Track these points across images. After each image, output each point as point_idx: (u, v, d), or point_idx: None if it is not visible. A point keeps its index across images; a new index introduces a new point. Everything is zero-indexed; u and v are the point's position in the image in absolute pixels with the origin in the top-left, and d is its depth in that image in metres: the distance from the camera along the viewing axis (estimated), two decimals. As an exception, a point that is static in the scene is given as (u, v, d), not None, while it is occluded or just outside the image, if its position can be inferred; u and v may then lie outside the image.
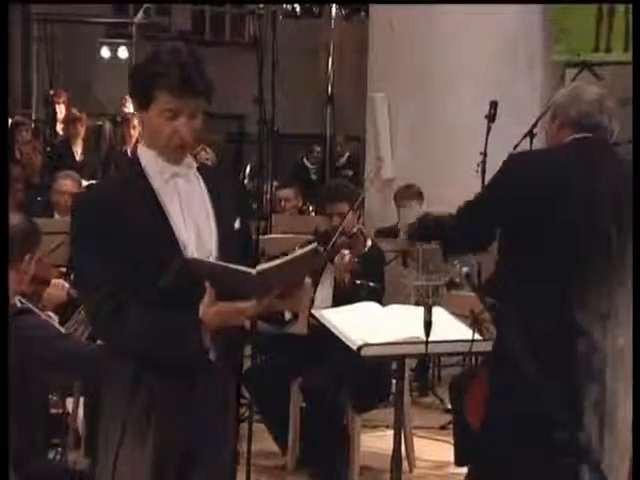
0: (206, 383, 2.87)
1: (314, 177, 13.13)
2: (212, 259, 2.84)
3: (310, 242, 5.93)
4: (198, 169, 2.97)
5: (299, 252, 2.83)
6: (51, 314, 4.61)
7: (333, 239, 5.67)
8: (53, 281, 4.91)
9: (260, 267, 2.67)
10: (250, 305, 2.72)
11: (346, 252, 5.62)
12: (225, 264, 2.75)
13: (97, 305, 2.82)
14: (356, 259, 5.62)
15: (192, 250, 2.83)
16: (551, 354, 3.48)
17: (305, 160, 13.50)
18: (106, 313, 2.79)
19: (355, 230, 5.78)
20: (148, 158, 2.90)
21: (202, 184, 2.95)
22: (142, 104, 2.85)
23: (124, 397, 2.84)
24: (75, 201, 3.00)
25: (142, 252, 2.76)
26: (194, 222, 2.87)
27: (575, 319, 3.51)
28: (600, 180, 3.57)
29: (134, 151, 3.00)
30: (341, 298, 5.50)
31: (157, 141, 2.87)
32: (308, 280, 2.88)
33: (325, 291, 5.73)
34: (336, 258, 5.62)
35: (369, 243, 5.87)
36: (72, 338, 3.96)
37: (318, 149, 13.52)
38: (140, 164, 2.90)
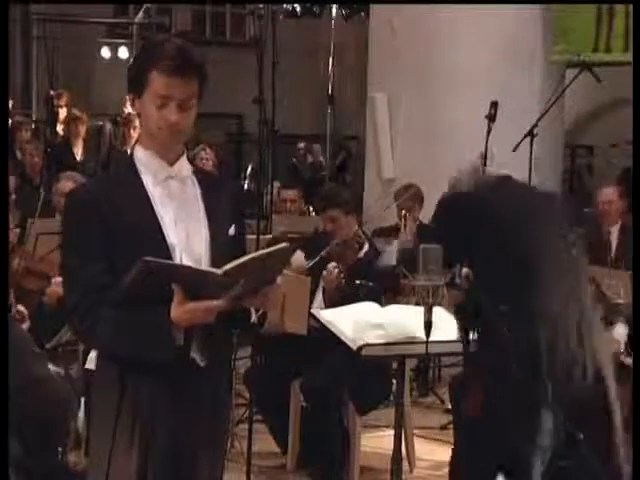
0: (194, 385, 2.88)
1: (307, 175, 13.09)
2: (203, 263, 2.85)
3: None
4: (195, 173, 2.97)
5: (267, 250, 2.83)
6: (21, 308, 4.76)
7: (322, 252, 5.63)
8: (54, 280, 4.97)
9: (226, 266, 2.67)
10: (218, 303, 2.72)
11: (334, 266, 5.58)
12: (189, 265, 2.77)
13: (75, 303, 2.82)
14: (342, 275, 5.54)
15: (180, 253, 2.84)
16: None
17: (297, 161, 13.47)
18: (81, 311, 2.80)
19: (347, 238, 5.72)
20: (143, 158, 2.90)
21: (197, 188, 2.95)
22: (137, 90, 2.86)
23: (113, 400, 2.85)
24: (68, 197, 3.00)
25: (129, 252, 2.74)
26: (185, 225, 2.87)
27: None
28: None
29: (132, 151, 3.00)
30: (341, 298, 5.52)
31: (149, 129, 2.87)
32: (279, 278, 2.86)
33: (319, 295, 5.73)
34: (324, 272, 5.60)
35: (365, 248, 5.82)
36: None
37: (302, 146, 13.41)
38: (135, 164, 2.91)
